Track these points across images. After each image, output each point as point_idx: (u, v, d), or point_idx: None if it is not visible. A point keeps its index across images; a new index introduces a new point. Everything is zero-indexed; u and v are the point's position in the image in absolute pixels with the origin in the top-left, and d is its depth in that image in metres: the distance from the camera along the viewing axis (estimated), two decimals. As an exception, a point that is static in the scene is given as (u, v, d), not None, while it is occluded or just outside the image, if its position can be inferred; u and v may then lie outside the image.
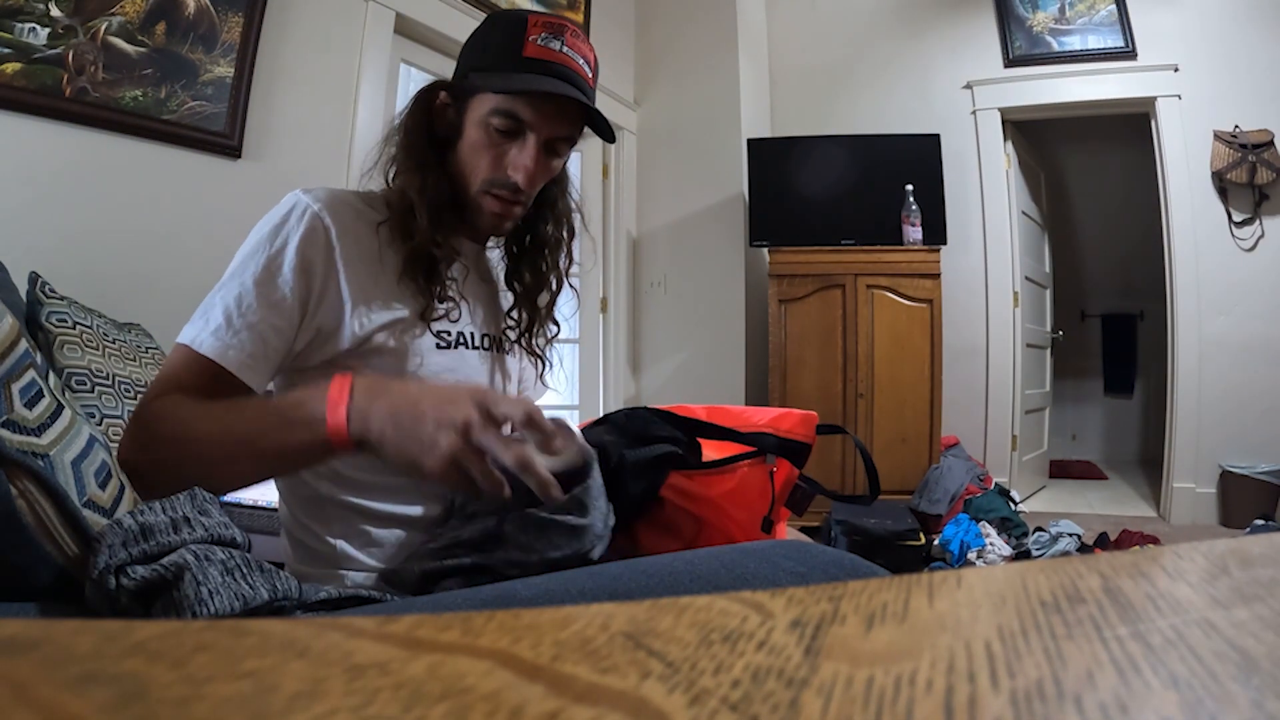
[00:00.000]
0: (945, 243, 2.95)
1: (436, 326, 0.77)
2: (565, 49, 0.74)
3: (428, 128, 0.79)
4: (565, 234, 0.88)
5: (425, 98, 0.79)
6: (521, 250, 0.87)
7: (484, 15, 2.89)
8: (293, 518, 0.74)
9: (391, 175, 0.79)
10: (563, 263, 0.88)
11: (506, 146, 0.76)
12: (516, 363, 0.90)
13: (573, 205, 0.89)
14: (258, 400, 0.67)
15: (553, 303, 0.89)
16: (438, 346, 0.76)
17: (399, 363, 0.73)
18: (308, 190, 0.73)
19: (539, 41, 0.73)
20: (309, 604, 0.58)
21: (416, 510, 0.74)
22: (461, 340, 0.79)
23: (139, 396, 1.33)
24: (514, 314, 0.87)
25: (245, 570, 0.52)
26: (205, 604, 0.47)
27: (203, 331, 0.67)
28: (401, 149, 0.78)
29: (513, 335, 0.87)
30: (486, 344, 0.83)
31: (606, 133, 0.79)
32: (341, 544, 0.71)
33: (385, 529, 0.72)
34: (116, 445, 0.66)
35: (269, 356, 0.69)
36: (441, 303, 0.76)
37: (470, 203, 0.79)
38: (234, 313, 0.67)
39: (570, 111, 0.76)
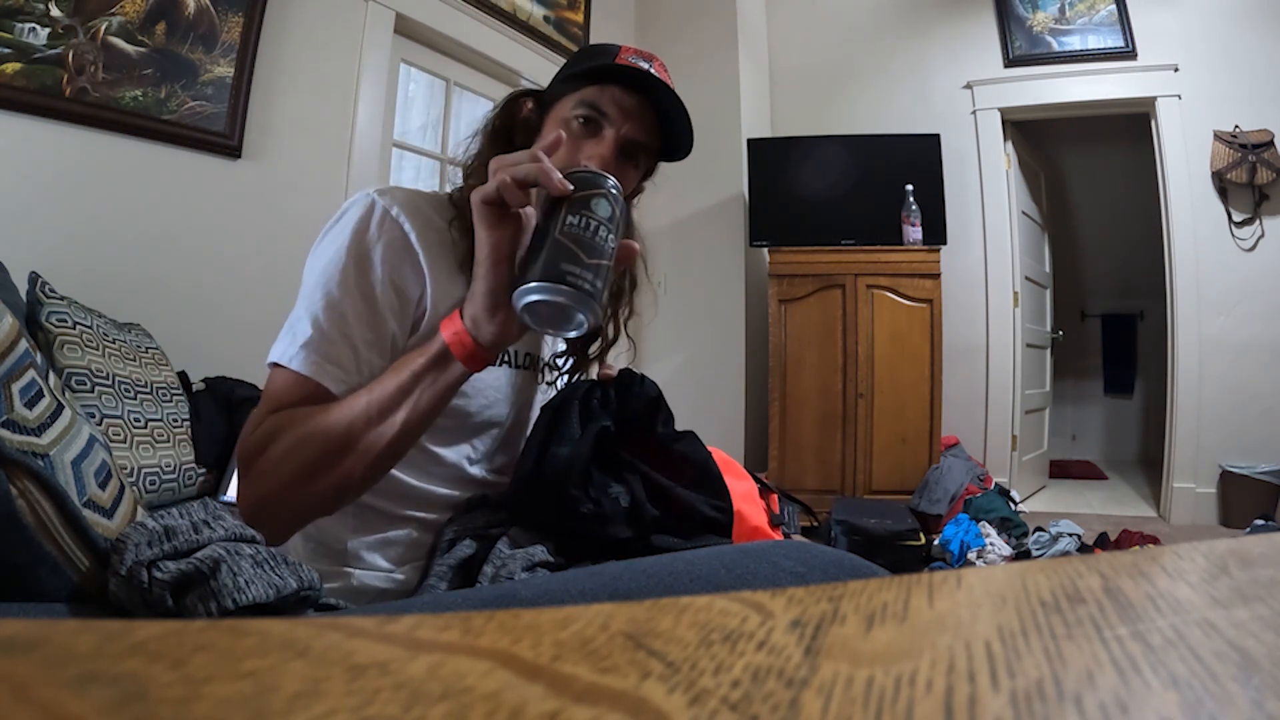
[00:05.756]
0: (945, 243, 2.95)
1: None
2: (652, 70, 0.75)
3: (508, 133, 0.78)
4: (627, 284, 0.85)
5: (510, 103, 0.80)
6: None
7: (483, 15, 2.89)
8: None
9: (466, 175, 0.78)
10: (622, 313, 0.86)
11: (584, 141, 0.74)
12: (544, 396, 0.88)
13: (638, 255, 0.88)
14: (370, 391, 0.65)
15: (605, 352, 0.86)
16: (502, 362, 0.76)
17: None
18: (382, 191, 0.72)
19: (629, 59, 0.75)
20: (319, 603, 0.58)
21: (429, 515, 0.74)
22: (504, 358, 0.79)
23: (138, 395, 1.33)
24: (560, 359, 0.85)
25: (273, 563, 0.53)
26: (243, 591, 0.49)
27: (291, 347, 0.65)
28: (481, 158, 0.77)
29: (549, 376, 0.85)
30: (526, 363, 0.82)
31: (687, 141, 0.78)
32: (354, 544, 0.72)
33: (400, 529, 0.73)
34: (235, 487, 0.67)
35: (362, 369, 0.66)
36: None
37: None
38: (323, 324, 0.65)
39: (649, 121, 0.76)
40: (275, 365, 0.66)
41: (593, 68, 0.75)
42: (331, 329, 0.65)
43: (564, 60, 0.84)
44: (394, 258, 0.69)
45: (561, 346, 0.85)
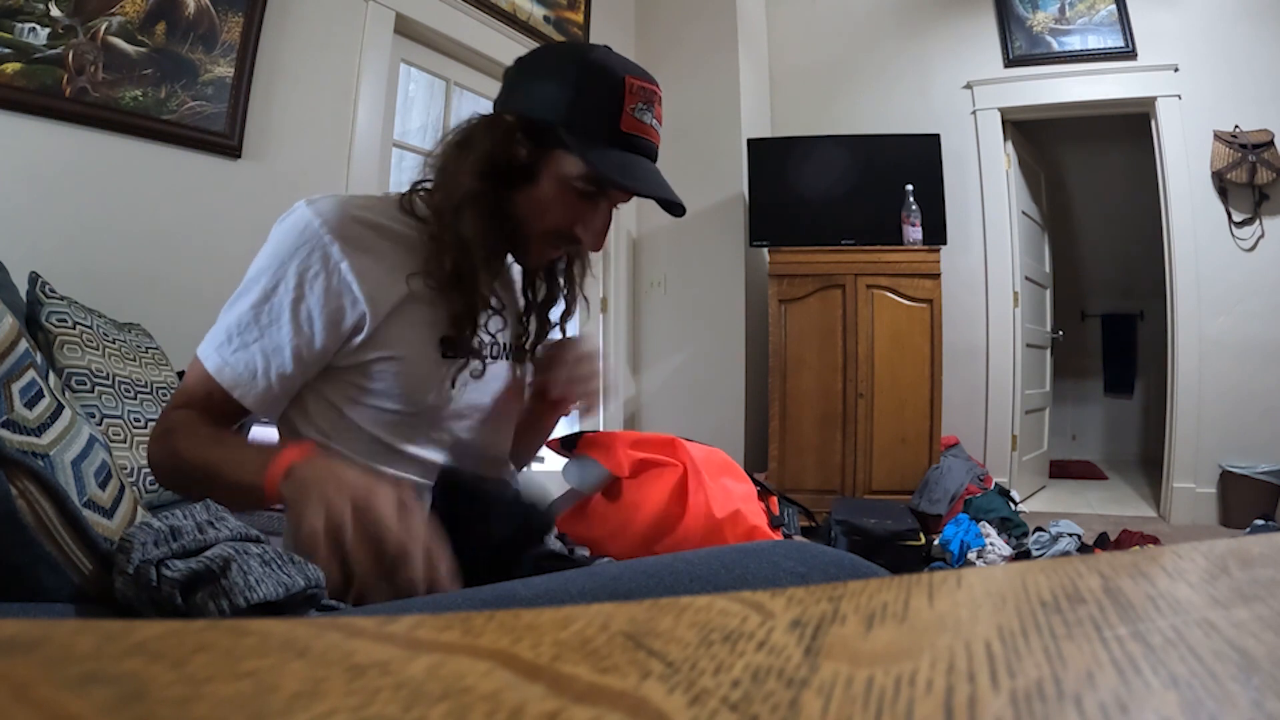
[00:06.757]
0: (945, 243, 2.95)
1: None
2: (653, 121, 0.74)
3: (496, 167, 0.74)
4: (576, 270, 0.88)
5: (504, 137, 0.74)
6: (540, 296, 0.87)
7: (483, 15, 2.87)
8: None
9: (443, 205, 0.74)
10: (578, 274, 0.88)
11: (581, 207, 0.75)
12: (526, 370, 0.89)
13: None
14: (237, 441, 0.71)
15: (567, 315, 0.89)
16: (444, 356, 0.76)
17: (409, 375, 0.73)
18: (312, 201, 0.71)
19: (635, 113, 0.72)
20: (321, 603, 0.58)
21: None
22: (486, 353, 0.79)
23: (138, 395, 1.34)
24: (525, 321, 0.87)
25: (280, 562, 0.54)
26: (254, 590, 0.50)
27: (209, 345, 0.71)
28: (469, 186, 0.73)
29: (526, 344, 0.86)
30: (497, 354, 0.83)
31: (679, 209, 0.78)
32: None
33: None
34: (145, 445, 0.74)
35: (263, 378, 0.70)
36: (474, 357, 0.76)
37: (526, 240, 0.78)
38: (234, 332, 0.70)
39: None
40: (196, 357, 0.72)
41: (605, 178, 0.71)
42: (239, 339, 0.70)
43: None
44: (308, 276, 0.69)
45: (526, 318, 0.87)
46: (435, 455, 0.77)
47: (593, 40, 3.25)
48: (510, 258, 0.85)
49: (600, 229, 0.76)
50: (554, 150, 0.73)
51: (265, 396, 0.71)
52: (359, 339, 0.71)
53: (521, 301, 0.87)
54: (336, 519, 0.55)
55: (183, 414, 0.71)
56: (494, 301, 0.78)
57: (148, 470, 1.27)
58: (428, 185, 0.79)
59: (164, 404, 1.40)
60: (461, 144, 0.76)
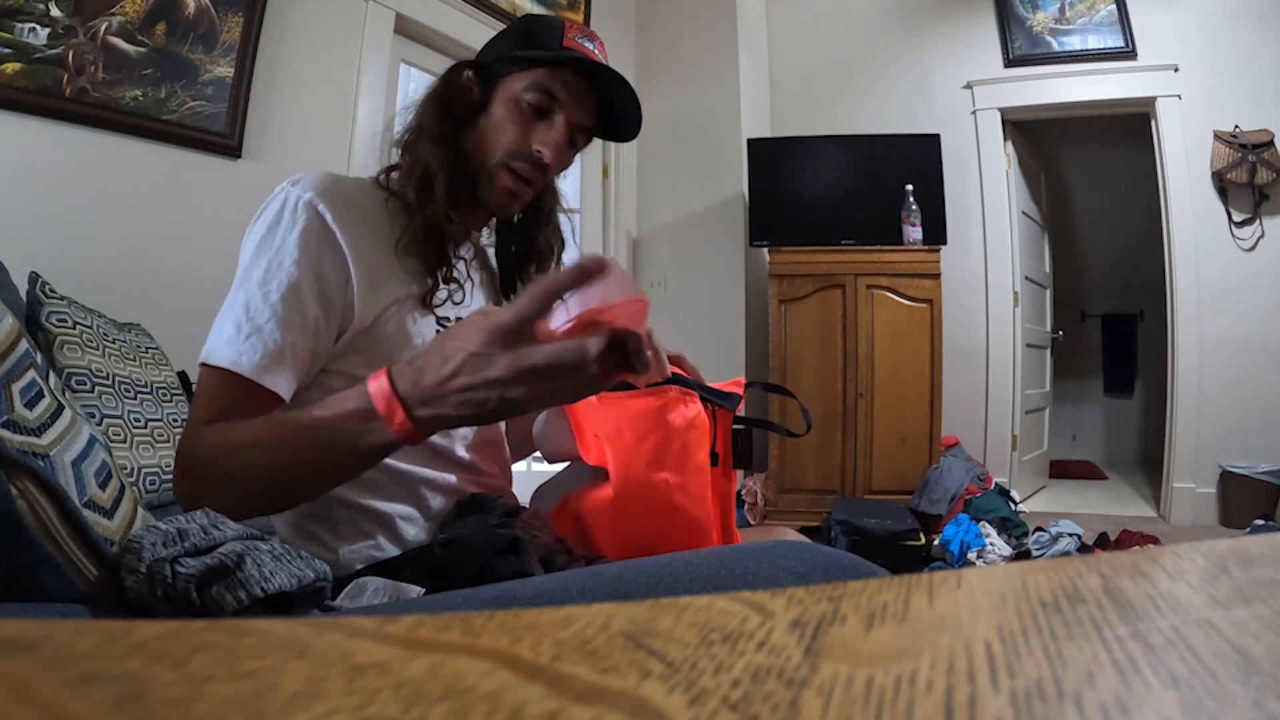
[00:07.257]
0: (945, 243, 2.95)
1: (440, 311, 0.76)
2: (596, 52, 0.79)
3: (448, 104, 0.79)
4: (557, 246, 0.89)
5: (451, 77, 0.79)
6: (514, 259, 0.89)
7: (483, 15, 2.87)
8: (292, 527, 0.72)
9: (403, 150, 0.79)
10: (552, 229, 0.89)
11: (535, 124, 0.77)
12: None
13: (562, 218, 0.90)
14: (295, 419, 0.61)
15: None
16: (438, 332, 0.74)
17: (397, 347, 0.72)
18: (295, 180, 0.71)
19: (575, 38, 0.77)
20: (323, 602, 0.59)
21: (412, 506, 0.73)
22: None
23: (138, 395, 1.34)
24: (504, 291, 0.88)
25: (289, 557, 0.55)
26: (269, 580, 0.51)
27: (215, 344, 0.66)
28: (424, 122, 0.78)
29: None
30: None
31: (634, 125, 0.81)
32: (345, 550, 0.70)
33: (387, 530, 0.72)
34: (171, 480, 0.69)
35: (286, 357, 0.66)
36: (447, 283, 0.76)
37: (485, 176, 0.78)
38: (242, 319, 0.66)
39: (593, 105, 0.80)
40: (203, 365, 0.66)
41: (549, 57, 0.76)
42: (247, 322, 0.66)
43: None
44: (309, 243, 0.68)
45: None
46: (439, 441, 0.76)
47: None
48: (486, 237, 0.89)
49: (558, 141, 0.78)
50: (502, 78, 0.78)
51: (290, 374, 0.67)
52: (356, 304, 0.70)
53: (497, 269, 0.88)
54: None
55: (205, 433, 0.63)
56: (463, 250, 0.81)
57: (148, 470, 1.28)
58: (397, 166, 0.81)
59: (164, 403, 1.40)
60: (422, 100, 0.80)
